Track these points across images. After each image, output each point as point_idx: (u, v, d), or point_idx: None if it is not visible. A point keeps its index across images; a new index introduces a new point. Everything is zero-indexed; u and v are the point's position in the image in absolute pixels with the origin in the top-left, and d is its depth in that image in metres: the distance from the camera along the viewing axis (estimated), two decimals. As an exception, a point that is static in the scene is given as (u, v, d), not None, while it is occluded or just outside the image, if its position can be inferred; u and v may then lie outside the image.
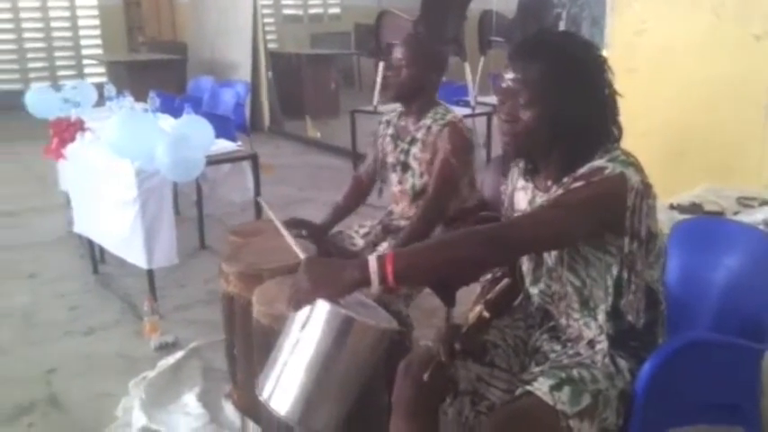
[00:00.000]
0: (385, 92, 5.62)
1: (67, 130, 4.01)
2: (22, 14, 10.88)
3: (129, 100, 4.29)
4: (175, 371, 2.92)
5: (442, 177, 2.43)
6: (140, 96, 4.89)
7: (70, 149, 3.97)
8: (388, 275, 1.37)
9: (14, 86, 10.91)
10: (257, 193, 3.67)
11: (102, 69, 11.18)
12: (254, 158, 3.72)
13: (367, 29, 9.32)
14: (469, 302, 1.72)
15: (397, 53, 2.50)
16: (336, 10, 13.06)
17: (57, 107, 4.70)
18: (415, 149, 2.54)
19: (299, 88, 9.18)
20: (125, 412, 2.66)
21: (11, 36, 10.91)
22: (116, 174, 3.39)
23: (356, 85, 12.08)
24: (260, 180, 3.72)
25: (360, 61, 11.84)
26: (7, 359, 3.13)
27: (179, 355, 3.02)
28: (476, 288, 1.86)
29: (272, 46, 10.15)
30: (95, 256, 4.04)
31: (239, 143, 4.10)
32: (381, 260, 1.39)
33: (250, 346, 2.16)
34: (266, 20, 10.12)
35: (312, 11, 12.84)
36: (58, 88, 5.02)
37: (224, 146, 3.80)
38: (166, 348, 3.11)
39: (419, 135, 2.52)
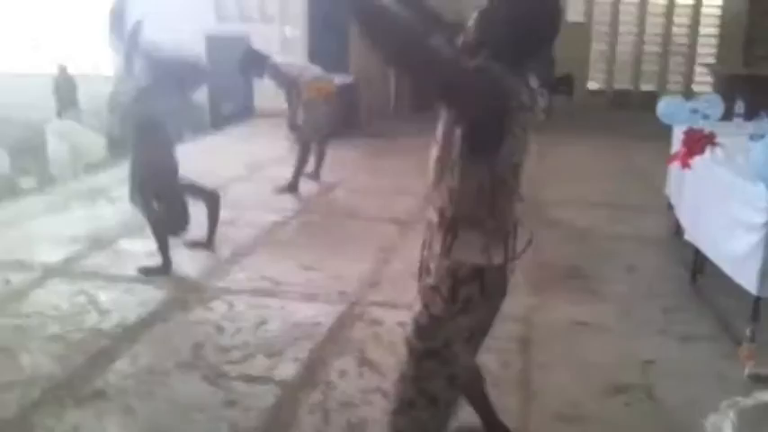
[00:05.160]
0: None
1: (699, 142, 4.17)
2: (648, 19, 11.55)
3: (765, 122, 4.22)
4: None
5: None
6: (751, 114, 4.81)
7: (697, 161, 4.14)
8: None
9: (625, 86, 11.80)
10: None
11: (709, 80, 11.19)
12: None
13: None
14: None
15: None
16: None
17: (684, 117, 4.94)
18: None
19: None
20: (713, 429, 2.74)
21: (632, 38, 11.70)
22: (747, 195, 3.41)
23: None
24: None
25: None
26: (609, 337, 3.53)
27: (778, 392, 2.93)
28: None
29: None
30: (696, 265, 4.16)
31: None
32: None
33: None
34: None
35: None
36: (688, 98, 5.26)
37: None
38: (761, 381, 3.05)
39: None
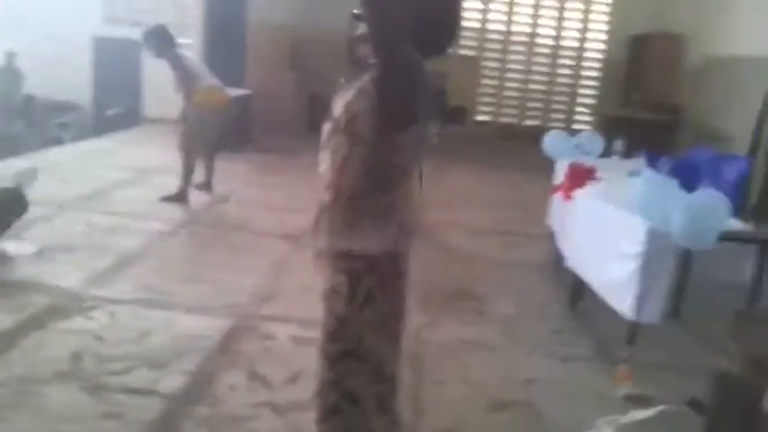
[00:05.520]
0: None
1: (581, 175, 4.42)
2: (535, 59, 12.10)
3: (641, 160, 4.52)
4: (642, 428, 3.02)
5: None
6: (629, 152, 5.22)
7: (579, 193, 4.37)
8: None
9: (511, 120, 12.28)
10: None
11: (588, 119, 11.86)
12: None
13: None
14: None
15: None
16: None
17: (568, 151, 5.21)
18: None
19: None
20: (590, 442, 2.87)
21: (519, 75, 12.23)
22: (625, 227, 3.63)
23: None
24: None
25: None
26: (494, 356, 3.63)
27: (650, 413, 3.10)
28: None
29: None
30: (576, 290, 4.36)
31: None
32: None
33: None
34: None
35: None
36: (572, 134, 5.55)
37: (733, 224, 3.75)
38: (634, 400, 3.22)
39: None
